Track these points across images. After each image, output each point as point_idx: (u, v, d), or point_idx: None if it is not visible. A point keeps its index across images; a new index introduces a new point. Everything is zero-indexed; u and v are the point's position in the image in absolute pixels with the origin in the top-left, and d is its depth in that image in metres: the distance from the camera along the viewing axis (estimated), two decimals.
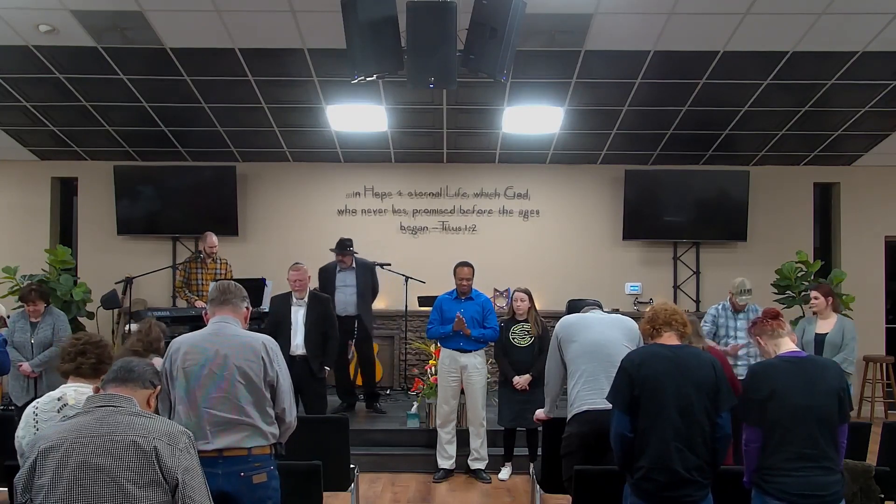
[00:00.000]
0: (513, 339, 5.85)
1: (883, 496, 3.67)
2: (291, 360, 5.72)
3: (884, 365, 8.33)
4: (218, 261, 7.49)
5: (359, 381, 7.30)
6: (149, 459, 2.20)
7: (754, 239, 8.84)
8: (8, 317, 5.91)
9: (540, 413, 4.53)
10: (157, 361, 3.24)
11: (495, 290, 8.56)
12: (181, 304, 7.93)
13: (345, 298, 6.77)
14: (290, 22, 5.99)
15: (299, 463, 3.58)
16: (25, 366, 5.83)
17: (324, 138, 8.33)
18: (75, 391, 2.88)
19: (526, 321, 5.87)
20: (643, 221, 8.82)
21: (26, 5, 5.73)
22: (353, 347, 7.04)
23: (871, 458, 4.30)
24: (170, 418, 2.97)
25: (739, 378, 4.00)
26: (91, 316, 7.83)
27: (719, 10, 5.78)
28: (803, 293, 7.74)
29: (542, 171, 9.03)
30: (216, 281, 4.80)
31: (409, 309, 7.98)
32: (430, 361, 6.63)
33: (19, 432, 2.82)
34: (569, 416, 3.95)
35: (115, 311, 7.96)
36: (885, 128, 7.92)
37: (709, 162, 8.88)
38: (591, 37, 6.17)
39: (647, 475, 3.05)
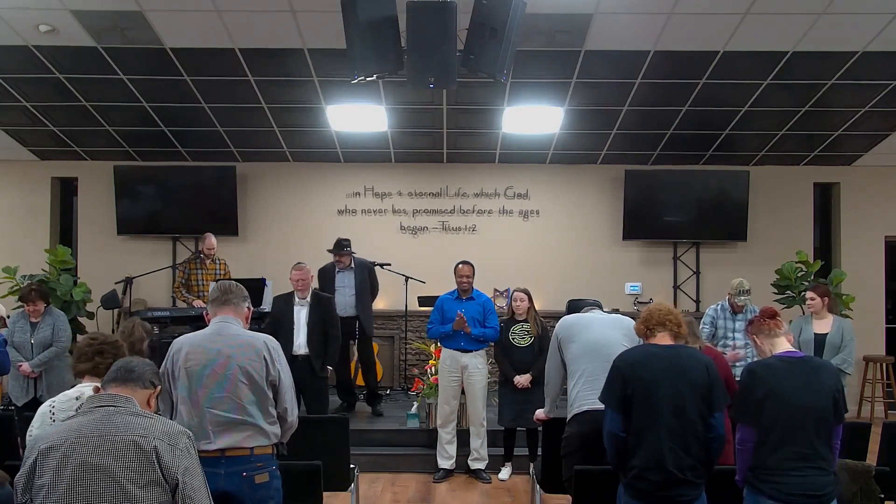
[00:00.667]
0: (512, 339, 5.85)
1: (883, 496, 3.68)
2: (293, 360, 5.72)
3: (884, 365, 8.33)
4: (217, 261, 7.49)
5: (359, 382, 7.30)
6: (149, 459, 2.20)
7: (754, 239, 8.84)
8: (8, 317, 5.91)
9: (540, 413, 4.53)
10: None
11: (495, 290, 8.56)
12: (181, 303, 7.93)
13: (343, 299, 6.77)
14: (290, 22, 5.99)
15: (299, 463, 3.58)
16: (25, 366, 5.83)
17: (324, 138, 8.33)
18: (93, 391, 2.87)
19: (525, 321, 5.87)
20: (643, 221, 8.82)
21: (26, 5, 5.73)
22: (354, 347, 7.06)
23: (871, 458, 4.31)
24: (171, 418, 2.98)
25: (738, 379, 4.00)
26: (91, 316, 7.83)
27: (719, 10, 5.78)
28: (803, 293, 7.73)
29: (542, 171, 9.03)
30: (216, 281, 4.81)
31: (409, 309, 7.98)
32: (430, 361, 6.64)
33: (34, 431, 2.81)
34: (569, 417, 3.95)
35: (115, 311, 7.96)
36: (885, 128, 7.92)
37: (709, 162, 8.88)
38: (591, 37, 6.17)
39: (640, 475, 3.05)
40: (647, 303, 8.68)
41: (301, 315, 5.94)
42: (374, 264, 7.28)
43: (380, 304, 8.02)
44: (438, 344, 6.29)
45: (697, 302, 8.94)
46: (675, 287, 9.00)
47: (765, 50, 6.36)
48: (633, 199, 8.77)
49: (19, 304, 6.21)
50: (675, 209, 8.82)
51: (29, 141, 8.47)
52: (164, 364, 3.07)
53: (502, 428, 5.97)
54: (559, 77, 6.91)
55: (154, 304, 8.54)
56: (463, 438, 6.03)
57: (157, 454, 2.21)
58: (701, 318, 6.25)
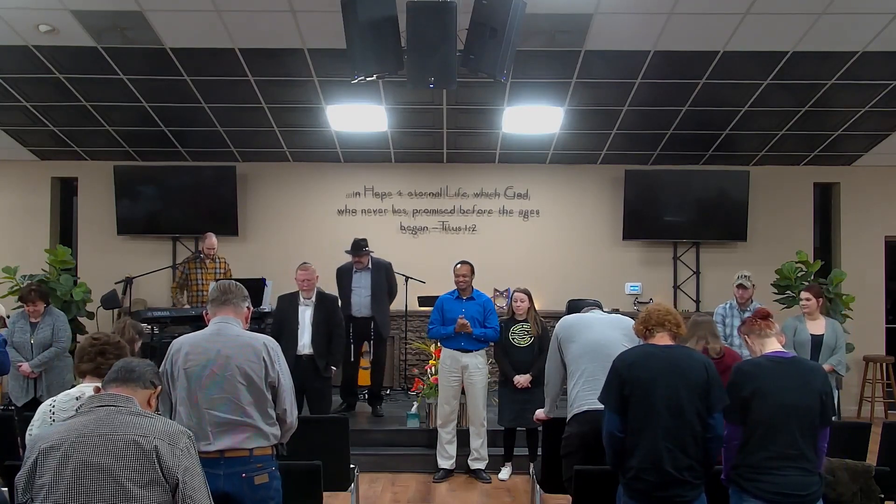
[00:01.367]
0: (512, 339, 5.85)
1: (883, 496, 3.67)
2: (297, 360, 5.74)
3: (884, 365, 8.33)
4: (217, 260, 7.49)
5: (362, 381, 7.26)
6: (149, 459, 2.20)
7: (754, 239, 8.84)
8: (8, 317, 5.91)
9: (540, 413, 4.53)
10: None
11: (495, 290, 8.56)
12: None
13: (359, 300, 6.75)
14: (290, 22, 5.99)
15: (299, 463, 3.58)
16: (25, 366, 5.83)
17: (324, 138, 8.33)
18: (94, 391, 2.87)
19: (525, 321, 5.87)
20: (643, 221, 8.82)
21: (26, 5, 5.73)
22: (365, 348, 6.98)
23: (871, 458, 4.30)
24: (170, 419, 2.97)
25: None
26: (91, 316, 7.82)
27: (719, 10, 5.78)
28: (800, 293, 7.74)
29: (542, 171, 9.03)
30: (216, 281, 4.80)
31: (409, 309, 7.98)
32: (430, 361, 6.63)
33: (34, 430, 2.81)
34: (568, 417, 3.95)
35: (115, 311, 7.96)
36: (885, 128, 7.92)
37: (709, 162, 8.88)
38: (591, 37, 6.17)
39: (637, 475, 3.05)
40: (647, 303, 8.67)
41: (306, 315, 5.94)
42: (391, 264, 7.20)
43: None
44: (438, 344, 6.29)
45: (697, 302, 8.94)
46: (675, 287, 9.00)
47: (765, 50, 6.36)
48: (633, 199, 8.77)
49: (19, 304, 6.21)
50: (675, 209, 8.82)
51: (29, 141, 8.47)
52: (163, 364, 3.06)
53: (502, 428, 5.97)
54: (559, 77, 6.91)
55: (154, 304, 8.54)
56: (463, 438, 6.03)
57: (158, 454, 2.21)
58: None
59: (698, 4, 5.71)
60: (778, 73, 6.70)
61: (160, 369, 2.97)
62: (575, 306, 4.46)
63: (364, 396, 7.20)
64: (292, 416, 3.16)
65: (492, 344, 5.99)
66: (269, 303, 7.67)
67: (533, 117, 7.78)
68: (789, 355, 3.20)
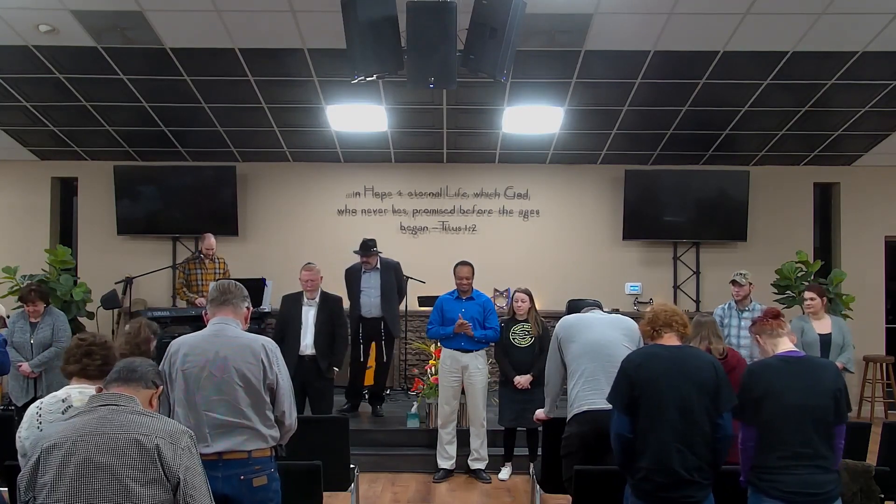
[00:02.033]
0: (513, 339, 5.85)
1: (883, 496, 3.68)
2: (300, 360, 5.73)
3: (884, 365, 8.33)
4: (216, 261, 7.49)
5: (366, 381, 7.24)
6: (150, 458, 2.21)
7: (754, 239, 8.84)
8: (8, 317, 5.91)
9: (540, 413, 4.53)
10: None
11: (495, 290, 8.56)
12: (181, 303, 7.93)
13: (369, 300, 6.72)
14: (290, 22, 5.99)
15: (299, 463, 3.58)
16: (25, 366, 5.83)
17: (324, 138, 8.33)
18: (80, 392, 2.86)
19: (526, 321, 5.87)
20: (643, 221, 8.82)
21: (26, 5, 5.73)
22: (375, 349, 6.93)
23: (871, 458, 4.31)
24: None
25: None
26: (91, 316, 7.83)
27: (719, 10, 5.78)
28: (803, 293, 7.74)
29: (542, 171, 9.03)
30: (216, 281, 4.79)
31: (409, 309, 7.98)
32: (431, 361, 6.63)
33: (22, 433, 2.81)
34: (569, 417, 3.95)
35: (115, 311, 7.97)
36: (885, 128, 7.92)
37: (709, 162, 8.88)
38: (591, 37, 6.17)
39: (647, 476, 3.05)
40: (647, 303, 8.69)
41: (309, 315, 5.92)
42: (399, 263, 7.18)
43: None
44: (438, 344, 6.29)
45: (697, 302, 8.94)
46: (675, 287, 9.00)
47: (765, 50, 6.36)
48: (633, 199, 8.77)
49: (19, 304, 6.21)
50: (675, 209, 8.82)
51: (29, 141, 8.47)
52: (160, 365, 3.04)
53: (502, 428, 5.97)
54: (559, 77, 6.91)
55: (154, 304, 8.54)
56: (463, 438, 6.03)
57: (159, 453, 2.22)
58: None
59: (698, 4, 5.71)
60: (778, 73, 6.70)
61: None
62: (575, 306, 4.46)
63: (365, 396, 7.19)
64: (291, 417, 3.15)
65: (492, 344, 5.99)
66: (269, 303, 7.67)
67: (533, 117, 7.78)
68: (801, 354, 3.20)
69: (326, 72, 6.81)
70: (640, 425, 3.08)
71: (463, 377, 5.88)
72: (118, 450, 2.20)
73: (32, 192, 9.02)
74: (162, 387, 2.61)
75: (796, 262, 7.82)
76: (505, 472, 5.99)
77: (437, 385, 6.10)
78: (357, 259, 6.85)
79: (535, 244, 8.97)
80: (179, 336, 3.20)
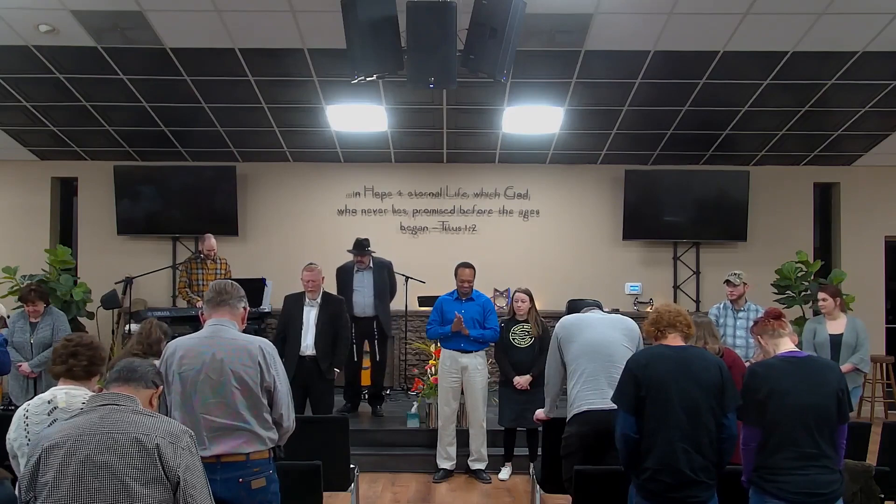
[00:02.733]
0: (513, 339, 5.84)
1: (883, 496, 3.67)
2: (301, 360, 5.72)
3: (884, 365, 8.33)
4: (217, 261, 7.49)
5: (363, 381, 7.25)
6: (151, 457, 2.21)
7: (754, 239, 8.85)
8: (8, 317, 5.91)
9: (540, 413, 4.53)
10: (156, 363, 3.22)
11: (495, 290, 8.56)
12: (181, 303, 7.93)
13: (362, 300, 6.73)
14: (290, 22, 5.99)
15: (299, 463, 3.58)
16: (25, 366, 5.83)
17: (324, 138, 8.33)
18: (66, 394, 2.85)
19: (526, 321, 5.86)
20: (643, 221, 8.82)
21: (26, 5, 5.74)
22: (368, 347, 6.96)
23: (871, 458, 4.31)
24: None
25: None
26: (91, 316, 7.83)
27: (719, 10, 5.78)
28: (803, 293, 7.74)
29: (542, 171, 9.03)
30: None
31: (409, 309, 7.98)
32: (431, 361, 6.63)
33: (10, 434, 2.81)
34: (569, 417, 3.95)
35: (115, 311, 7.97)
36: (885, 128, 7.92)
37: (709, 162, 8.88)
38: (591, 37, 6.17)
39: (653, 476, 3.05)
40: (647, 303, 8.69)
41: (310, 316, 5.91)
42: (391, 263, 7.20)
43: None
44: (438, 344, 6.28)
45: (697, 302, 8.94)
46: (675, 287, 9.00)
47: (765, 50, 6.36)
48: (633, 199, 8.77)
49: (19, 304, 6.21)
50: (675, 209, 8.82)
51: (29, 141, 8.47)
52: (157, 368, 3.05)
53: (502, 428, 5.96)
54: (559, 77, 6.91)
55: (154, 304, 8.54)
56: (463, 439, 6.03)
57: (159, 452, 2.22)
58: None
59: (698, 4, 5.71)
60: (778, 73, 6.70)
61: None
62: (575, 306, 4.46)
63: (364, 396, 7.19)
64: (289, 419, 3.13)
65: (492, 344, 5.99)
66: (269, 303, 7.68)
67: (533, 117, 7.78)
68: (803, 355, 3.20)
69: (326, 72, 6.81)
70: (647, 426, 3.08)
71: (462, 377, 5.88)
72: (119, 449, 2.20)
73: (32, 192, 9.02)
74: (162, 387, 2.62)
75: (796, 262, 7.83)
76: (505, 473, 5.99)
77: (437, 385, 6.09)
78: (348, 258, 6.87)
79: (535, 244, 8.97)
80: (179, 336, 3.19)
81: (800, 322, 7.28)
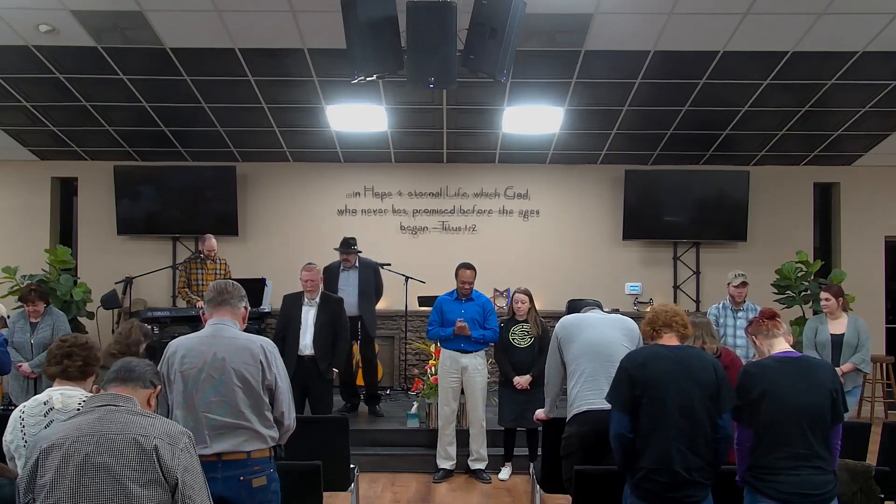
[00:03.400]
0: (512, 339, 5.85)
1: (883, 496, 3.67)
2: (300, 360, 5.72)
3: (884, 365, 8.33)
4: (217, 261, 7.49)
5: (360, 382, 7.28)
6: (149, 458, 2.21)
7: (754, 239, 8.85)
8: (8, 317, 5.92)
9: (540, 413, 4.53)
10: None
11: (495, 290, 8.56)
12: (181, 303, 7.93)
13: (347, 299, 6.73)
14: (290, 22, 5.99)
15: (299, 463, 3.59)
16: (25, 366, 5.83)
17: (324, 138, 8.33)
18: (61, 394, 2.85)
19: (526, 322, 5.87)
20: (643, 221, 8.82)
21: (26, 5, 5.74)
22: (354, 348, 7.02)
23: (871, 458, 4.30)
24: None
25: None
26: (91, 316, 7.83)
27: (719, 10, 5.78)
28: (803, 293, 7.74)
29: (542, 171, 9.03)
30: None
31: (409, 309, 7.98)
32: (430, 361, 6.63)
33: (6, 436, 2.81)
34: (569, 417, 3.95)
35: (115, 311, 7.97)
36: (885, 128, 7.92)
37: (709, 162, 8.88)
38: (591, 37, 6.17)
39: (647, 476, 3.04)
40: (647, 303, 8.69)
41: (309, 316, 5.90)
42: (379, 264, 7.23)
43: (380, 304, 7.99)
44: (438, 344, 6.29)
45: (697, 302, 8.94)
46: (675, 287, 9.00)
47: (765, 50, 6.36)
48: (633, 199, 8.77)
49: (19, 304, 6.21)
50: (675, 209, 8.82)
51: (29, 141, 8.47)
52: (158, 367, 3.04)
53: (502, 428, 5.97)
54: (559, 77, 6.91)
55: (154, 304, 8.54)
56: (463, 439, 6.03)
57: (157, 453, 2.22)
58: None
59: (698, 4, 5.71)
60: (778, 73, 6.70)
61: None
62: (575, 306, 4.46)
63: (362, 397, 7.19)
64: (290, 418, 3.15)
65: (492, 344, 5.99)
66: (269, 303, 7.68)
67: (533, 117, 7.78)
68: (797, 355, 3.20)
69: (326, 72, 6.81)
70: (642, 425, 3.07)
71: (463, 377, 5.88)
72: (117, 450, 2.20)
73: (32, 192, 9.02)
74: (160, 386, 2.61)
75: (796, 262, 7.83)
76: (505, 473, 5.99)
77: (436, 385, 6.10)
78: (336, 258, 6.91)
79: (535, 244, 8.97)
80: (179, 336, 3.19)
81: (800, 322, 7.28)
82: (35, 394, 5.77)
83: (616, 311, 7.63)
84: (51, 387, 2.95)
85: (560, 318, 4.36)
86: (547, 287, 8.31)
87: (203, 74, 6.90)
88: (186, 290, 7.39)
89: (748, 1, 5.61)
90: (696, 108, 7.48)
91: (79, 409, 2.65)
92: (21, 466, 2.54)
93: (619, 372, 3.18)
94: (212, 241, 7.45)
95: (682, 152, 8.65)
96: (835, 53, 6.39)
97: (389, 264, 7.68)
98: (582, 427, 3.82)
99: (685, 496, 3.03)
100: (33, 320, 5.97)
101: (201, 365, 2.98)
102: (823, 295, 5.93)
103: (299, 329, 5.86)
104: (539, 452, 5.22)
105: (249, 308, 3.31)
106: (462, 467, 6.01)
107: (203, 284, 7.32)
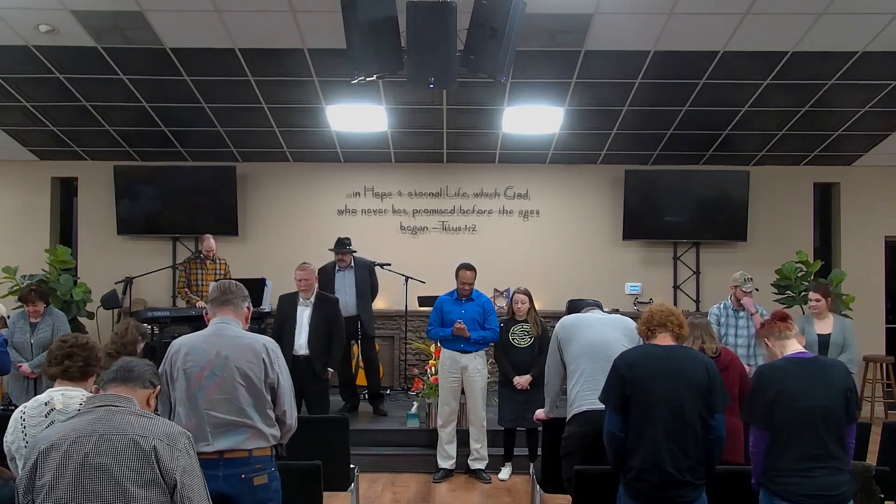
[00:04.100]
0: (512, 339, 5.85)
1: (883, 496, 3.67)
2: (295, 360, 5.72)
3: (884, 365, 8.33)
4: (217, 261, 7.49)
5: (360, 382, 7.28)
6: (148, 459, 2.21)
7: (754, 239, 8.84)
8: (8, 317, 5.91)
9: (540, 413, 4.54)
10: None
11: (495, 290, 8.56)
12: (181, 303, 7.93)
13: (344, 299, 6.74)
14: (290, 22, 5.99)
15: (299, 463, 3.59)
16: (25, 366, 5.83)
17: (324, 138, 8.33)
18: (62, 395, 2.85)
19: (526, 322, 5.87)
20: (643, 221, 8.82)
21: (26, 5, 5.73)
22: (354, 348, 7.03)
23: (871, 458, 4.31)
24: (170, 419, 2.97)
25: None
26: (91, 316, 7.83)
27: (719, 10, 5.78)
28: (803, 293, 7.74)
29: (542, 171, 9.03)
30: (216, 281, 4.79)
31: (409, 309, 7.98)
32: (430, 361, 6.64)
33: (8, 437, 2.81)
34: (568, 417, 3.95)
35: (116, 311, 7.97)
36: (885, 128, 7.92)
37: (709, 162, 8.88)
38: (591, 37, 6.17)
39: (638, 475, 3.05)
40: (647, 303, 8.68)
41: (304, 316, 5.90)
42: (374, 264, 7.27)
43: (380, 304, 8.02)
44: (438, 344, 6.29)
45: (697, 302, 8.94)
46: (675, 287, 9.00)
47: (765, 50, 6.36)
48: (633, 199, 8.77)
49: (19, 304, 6.21)
50: (675, 209, 8.82)
51: (29, 141, 8.47)
52: (162, 365, 3.06)
53: (502, 428, 5.97)
54: (559, 77, 6.91)
55: (154, 304, 8.54)
56: (463, 438, 6.03)
57: (156, 454, 2.22)
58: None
59: (698, 4, 5.71)
60: (778, 73, 6.70)
61: (159, 370, 2.97)
62: (575, 306, 4.46)
63: (364, 397, 7.20)
64: (292, 417, 3.17)
65: (492, 344, 5.99)
66: (269, 303, 7.68)
67: (533, 117, 7.78)
68: (810, 356, 3.20)
69: (326, 72, 6.81)
70: (632, 424, 3.08)
71: (462, 377, 5.88)
72: (116, 451, 2.20)
73: (32, 192, 9.01)
74: (160, 386, 2.62)
75: (796, 262, 7.83)
76: (505, 472, 5.99)
77: (437, 385, 6.10)
78: (331, 258, 6.92)
79: (535, 244, 8.97)
80: (179, 336, 3.20)
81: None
82: (35, 394, 5.78)
83: (616, 311, 7.63)
84: (51, 387, 2.95)
85: (560, 318, 4.37)
86: (547, 287, 8.31)
87: (203, 74, 6.90)
88: (186, 290, 7.39)
89: (748, 1, 5.61)
90: (695, 108, 7.48)
91: (79, 410, 2.65)
92: (21, 467, 2.54)
93: (611, 371, 3.20)
94: (210, 241, 7.45)
95: (682, 152, 8.64)
96: (835, 53, 6.39)
97: (389, 264, 7.68)
98: (582, 427, 3.82)
99: (676, 496, 3.03)
100: (33, 320, 5.97)
101: (204, 363, 3.00)
102: (813, 296, 5.91)
103: (294, 329, 5.85)
104: (539, 452, 5.23)
105: (252, 308, 3.33)
106: (462, 467, 6.01)
107: (203, 284, 7.32)
